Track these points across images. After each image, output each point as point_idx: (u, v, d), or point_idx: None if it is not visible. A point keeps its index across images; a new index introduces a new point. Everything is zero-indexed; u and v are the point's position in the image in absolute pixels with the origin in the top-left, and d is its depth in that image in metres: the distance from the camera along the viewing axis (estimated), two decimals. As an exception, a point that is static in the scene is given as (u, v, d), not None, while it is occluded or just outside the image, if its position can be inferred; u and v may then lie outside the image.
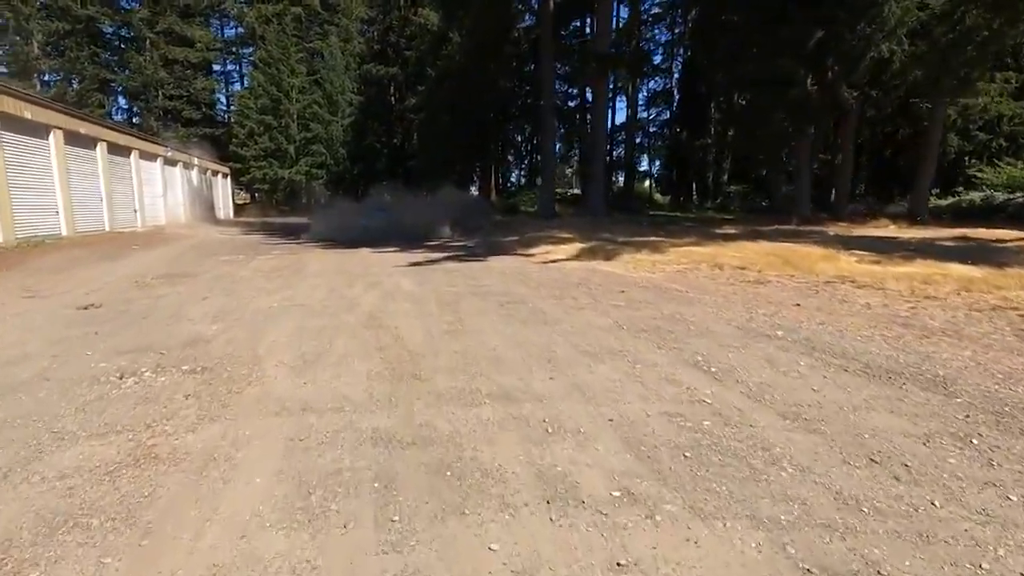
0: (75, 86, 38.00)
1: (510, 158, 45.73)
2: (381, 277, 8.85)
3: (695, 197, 37.40)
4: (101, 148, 17.77)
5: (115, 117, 40.36)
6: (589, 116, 32.26)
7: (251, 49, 44.43)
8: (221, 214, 33.24)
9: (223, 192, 35.06)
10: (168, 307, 6.47)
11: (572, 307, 6.28)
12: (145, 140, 22.64)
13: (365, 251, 13.20)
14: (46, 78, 38.21)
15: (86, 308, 6.46)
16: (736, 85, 23.39)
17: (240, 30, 46.30)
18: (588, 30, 34.87)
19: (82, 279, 8.65)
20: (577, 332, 5.08)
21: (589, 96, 29.91)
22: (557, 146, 27.86)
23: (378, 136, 45.46)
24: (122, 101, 42.74)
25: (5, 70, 37.07)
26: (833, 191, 24.46)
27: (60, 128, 15.14)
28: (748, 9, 19.28)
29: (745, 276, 8.33)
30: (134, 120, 41.32)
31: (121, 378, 3.88)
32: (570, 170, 50.34)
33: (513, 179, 48.30)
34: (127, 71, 39.48)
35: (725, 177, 32.91)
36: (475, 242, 15.16)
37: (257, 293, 7.39)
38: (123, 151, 19.74)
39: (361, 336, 5.03)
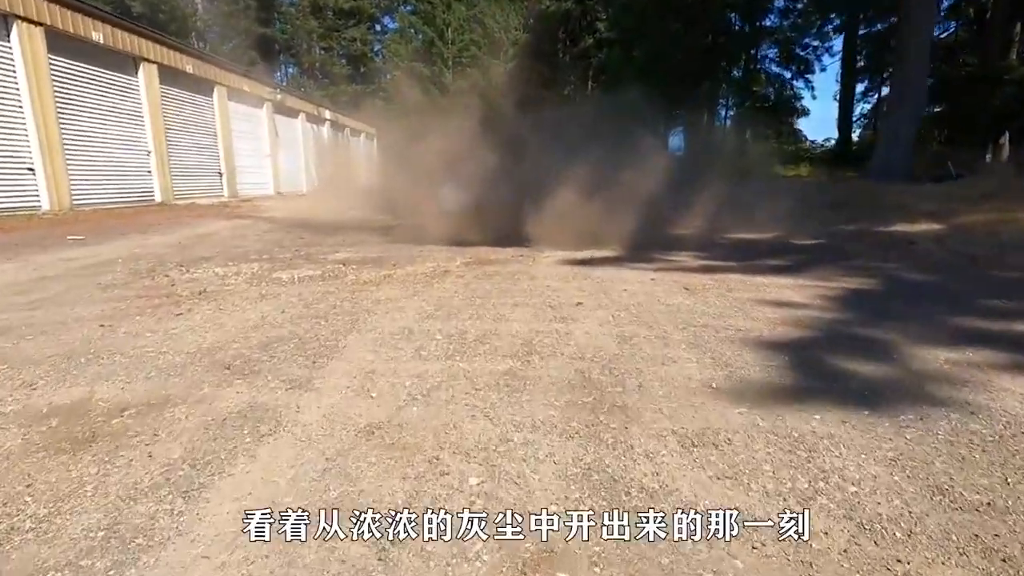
0: (231, 44, 35.45)
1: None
2: None
3: (989, 153, 23.16)
4: (147, 73, 11.63)
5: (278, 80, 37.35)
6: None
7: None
8: (360, 181, 27.68)
9: (365, 156, 29.56)
10: None
11: None
12: (238, 74, 15.70)
13: (544, 270, 4.79)
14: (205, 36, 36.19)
15: None
16: None
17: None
18: None
19: None
20: None
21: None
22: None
23: (545, 86, 37.34)
24: (283, 65, 40.02)
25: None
26: None
27: (41, 24, 8.87)
28: None
29: None
30: (300, 86, 38.16)
31: None
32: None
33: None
34: (278, 25, 35.98)
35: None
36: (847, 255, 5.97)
37: None
38: (199, 86, 13.70)
39: None
